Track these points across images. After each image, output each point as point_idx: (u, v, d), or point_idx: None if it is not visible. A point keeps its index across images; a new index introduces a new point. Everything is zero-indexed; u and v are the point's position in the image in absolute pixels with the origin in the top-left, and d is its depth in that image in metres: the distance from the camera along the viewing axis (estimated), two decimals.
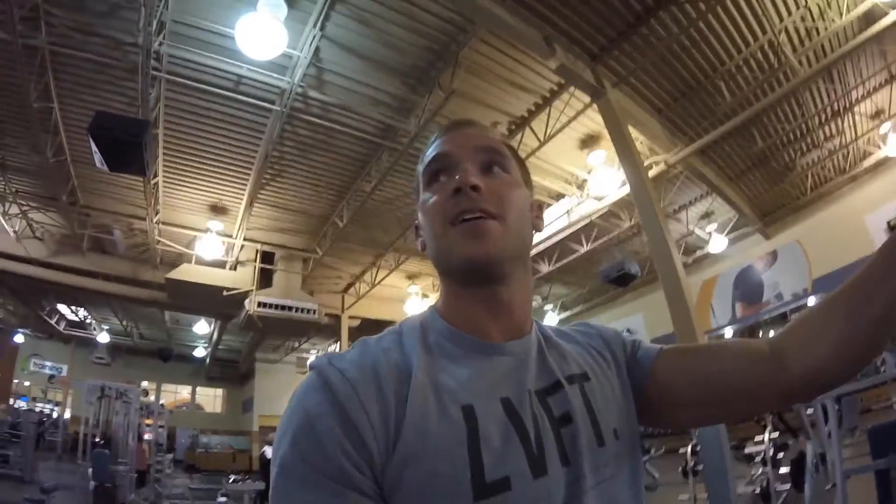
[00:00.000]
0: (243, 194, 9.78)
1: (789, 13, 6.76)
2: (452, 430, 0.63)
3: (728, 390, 0.79)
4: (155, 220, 10.21)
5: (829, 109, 8.90)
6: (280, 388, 20.34)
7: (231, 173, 9.29)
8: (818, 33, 7.00)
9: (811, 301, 10.68)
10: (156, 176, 9.01)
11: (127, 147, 6.27)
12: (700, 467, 7.10)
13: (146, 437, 11.93)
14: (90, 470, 9.04)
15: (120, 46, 6.69)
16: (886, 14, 6.44)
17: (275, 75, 7.15)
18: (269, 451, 10.70)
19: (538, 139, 8.21)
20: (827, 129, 9.54)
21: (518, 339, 0.77)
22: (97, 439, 10.67)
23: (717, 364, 0.81)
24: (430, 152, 0.82)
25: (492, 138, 0.83)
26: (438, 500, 0.60)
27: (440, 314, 0.78)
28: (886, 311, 0.69)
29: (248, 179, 9.33)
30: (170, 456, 14.91)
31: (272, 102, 7.59)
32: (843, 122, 9.46)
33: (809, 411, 5.51)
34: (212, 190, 9.82)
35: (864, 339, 0.71)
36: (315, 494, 0.58)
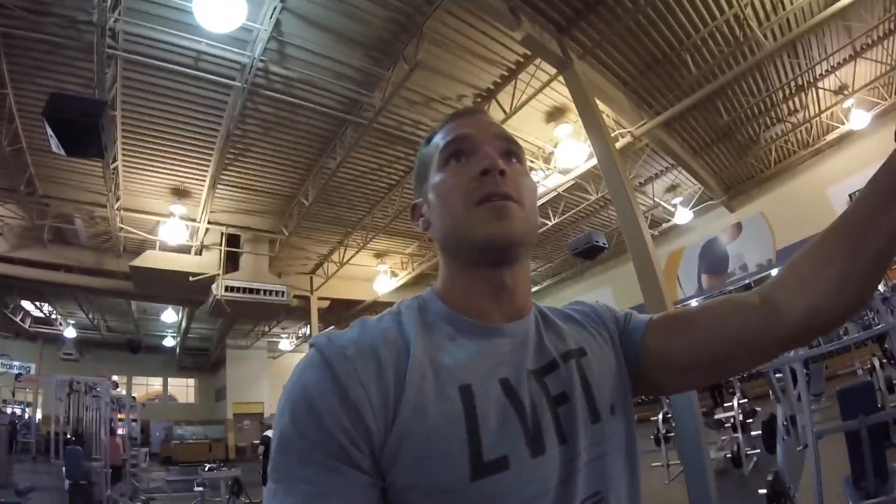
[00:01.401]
0: (206, 176, 9.55)
1: None
2: (450, 409, 0.65)
3: (724, 347, 0.79)
4: (116, 207, 9.92)
5: (793, 84, 9.05)
6: (252, 375, 20.22)
7: (193, 154, 9.05)
8: (784, 7, 7.10)
9: (775, 272, 10.98)
10: (115, 160, 8.72)
11: (83, 129, 6.05)
12: (672, 434, 7.24)
13: (119, 431, 11.71)
14: (64, 468, 8.85)
15: (74, 25, 6.40)
16: None
17: (235, 50, 6.94)
18: (263, 436, 10.61)
19: (504, 112, 8.17)
20: (791, 103, 9.72)
21: (518, 321, 0.79)
22: (69, 436, 10.45)
23: (709, 324, 0.81)
24: (446, 135, 0.83)
25: (506, 131, 0.86)
26: (436, 478, 0.61)
27: (439, 296, 0.80)
28: (880, 250, 0.69)
29: (210, 160, 9.10)
30: (145, 449, 14.67)
31: (233, 79, 7.38)
32: (806, 97, 9.66)
33: (778, 375, 5.65)
34: (173, 172, 9.56)
35: (865, 275, 0.71)
36: (313, 470, 0.59)
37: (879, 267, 0.70)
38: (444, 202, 0.79)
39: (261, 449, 10.19)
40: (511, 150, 0.82)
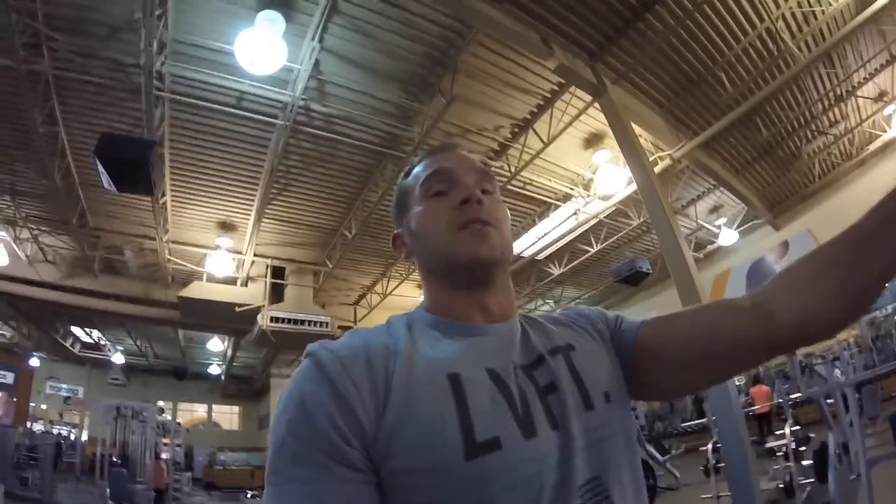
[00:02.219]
0: (251, 210, 9.82)
1: None
2: (440, 395, 0.67)
3: (715, 349, 0.81)
4: (165, 240, 10.29)
5: (831, 94, 8.84)
6: None
7: (238, 189, 9.35)
8: (816, 18, 6.98)
9: None
10: (164, 195, 9.07)
11: (133, 167, 6.33)
12: (722, 465, 7.02)
13: (163, 455, 11.96)
14: (108, 489, 9.06)
15: (122, 68, 6.77)
16: None
17: (276, 90, 7.20)
18: None
19: (542, 141, 8.22)
20: (831, 114, 9.48)
21: (502, 323, 0.82)
22: (114, 459, 10.72)
23: (701, 325, 0.83)
24: (426, 169, 0.88)
25: (482, 162, 0.91)
26: (431, 461, 0.62)
27: (426, 310, 0.84)
28: (878, 268, 0.70)
29: (255, 195, 9.37)
30: (188, 474, 14.95)
31: (275, 117, 7.64)
32: (846, 107, 9.41)
33: (829, 401, 5.45)
34: (220, 207, 9.88)
35: (861, 289, 0.72)
36: (306, 470, 0.61)
37: (878, 282, 0.71)
38: (429, 228, 0.83)
39: None
40: (487, 181, 0.87)
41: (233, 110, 7.50)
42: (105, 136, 6.44)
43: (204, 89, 7.22)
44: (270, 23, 6.10)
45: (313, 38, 6.47)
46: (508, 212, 0.89)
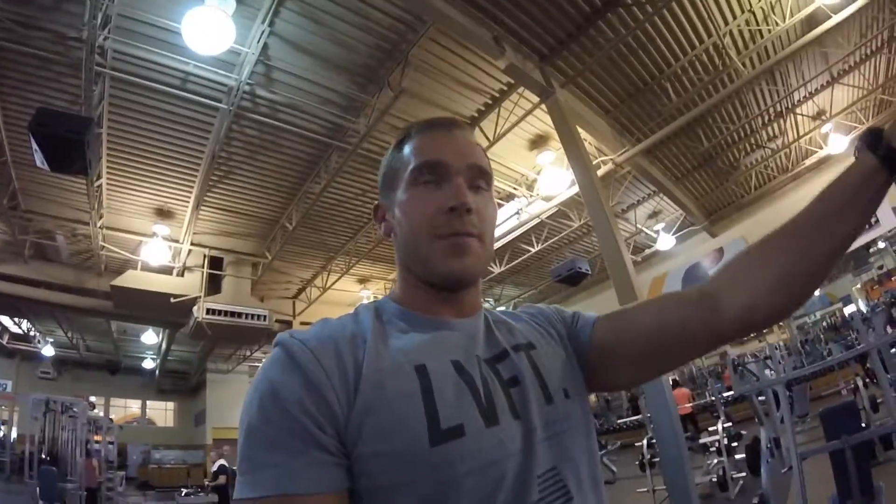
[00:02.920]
0: (190, 197, 9.51)
1: (734, 17, 7.02)
2: (407, 384, 0.69)
3: (665, 339, 0.84)
4: (99, 225, 9.83)
5: (772, 110, 9.26)
6: (233, 399, 19.83)
7: (177, 175, 9.02)
8: (762, 36, 7.28)
9: None
10: (99, 177, 8.68)
11: (69, 145, 6.03)
12: (657, 460, 7.24)
13: (95, 453, 11.46)
14: (38, 489, 8.64)
15: (64, 41, 6.42)
16: (829, 18, 6.73)
17: (222, 72, 6.99)
18: (217, 464, 10.35)
19: (488, 139, 8.28)
20: (770, 129, 9.93)
21: (467, 318, 0.84)
22: (44, 457, 10.22)
23: (651, 317, 0.87)
24: (419, 154, 0.83)
25: (481, 154, 0.88)
26: (397, 445, 0.65)
27: (394, 300, 0.86)
28: (818, 259, 0.74)
29: (195, 181, 9.07)
30: (121, 473, 14.35)
31: (219, 101, 7.41)
32: (785, 123, 9.88)
33: (762, 398, 5.69)
34: (158, 192, 9.51)
35: (801, 283, 0.76)
36: (279, 454, 0.62)
37: (820, 271, 0.76)
38: (410, 226, 0.82)
39: (221, 479, 9.94)
40: (482, 178, 0.85)
41: (176, 91, 7.23)
42: (41, 110, 6.09)
43: (147, 68, 6.93)
44: (220, 2, 5.91)
45: (263, 22, 6.31)
46: (496, 210, 0.89)
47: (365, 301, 13.97)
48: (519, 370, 0.79)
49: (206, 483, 10.60)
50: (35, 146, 6.03)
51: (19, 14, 6.08)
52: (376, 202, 0.92)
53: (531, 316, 0.95)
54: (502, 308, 0.93)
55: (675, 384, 11.35)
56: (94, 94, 6.84)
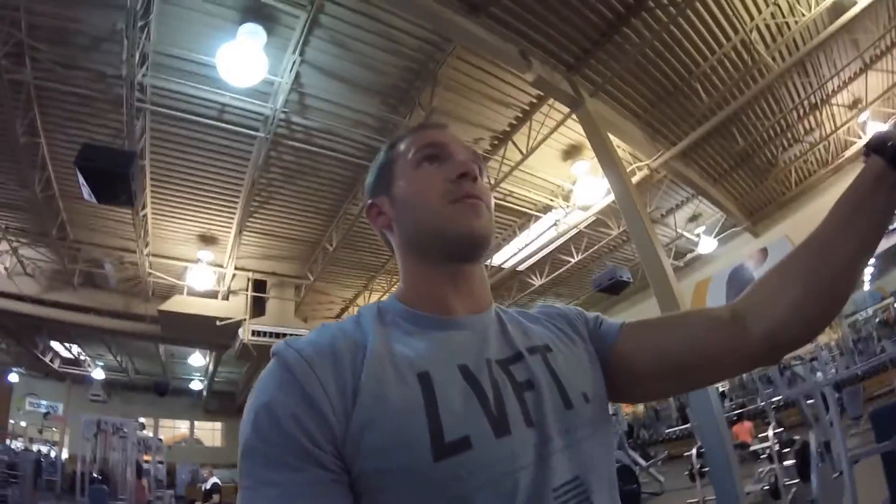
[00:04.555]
0: (232, 223, 9.77)
1: (759, 11, 6.86)
2: (409, 394, 0.66)
3: (691, 359, 0.81)
4: (145, 253, 10.18)
5: (806, 103, 9.01)
6: None
7: (219, 202, 9.29)
8: (789, 28, 7.10)
9: None
10: (144, 208, 9.01)
11: (114, 179, 6.28)
12: (706, 469, 7.09)
13: (145, 472, 11.76)
14: None
15: (104, 79, 6.73)
16: (854, 3, 6.55)
17: (257, 102, 7.21)
18: (211, 483, 10.36)
19: (521, 153, 8.29)
20: (806, 122, 9.65)
21: (478, 314, 0.82)
22: (95, 475, 10.52)
23: (678, 334, 0.84)
24: (419, 140, 0.87)
25: (474, 148, 0.92)
26: (399, 462, 0.62)
27: (398, 299, 0.83)
28: (841, 269, 0.72)
29: (236, 208, 9.32)
30: (170, 492, 14.66)
31: (256, 129, 7.63)
32: (821, 115, 9.58)
33: (810, 402, 5.53)
34: (201, 220, 9.81)
35: (821, 299, 0.74)
36: (277, 472, 0.60)
37: (839, 288, 0.74)
38: (419, 198, 0.82)
39: (215, 497, 9.98)
40: (479, 167, 0.87)
41: (214, 122, 7.49)
42: (86, 146, 6.38)
43: (185, 101, 7.20)
44: (252, 35, 6.12)
45: (294, 51, 6.49)
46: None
47: None
48: (534, 373, 0.75)
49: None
50: (82, 180, 6.30)
51: (60, 55, 6.40)
52: (369, 202, 0.91)
53: (549, 317, 0.91)
54: (514, 309, 0.90)
55: (739, 418, 10.49)
56: (135, 129, 7.13)
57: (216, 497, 9.93)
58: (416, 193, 0.83)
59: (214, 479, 10.31)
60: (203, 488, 10.14)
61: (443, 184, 0.81)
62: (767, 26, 7.13)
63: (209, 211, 9.53)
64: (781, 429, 7.59)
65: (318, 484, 0.61)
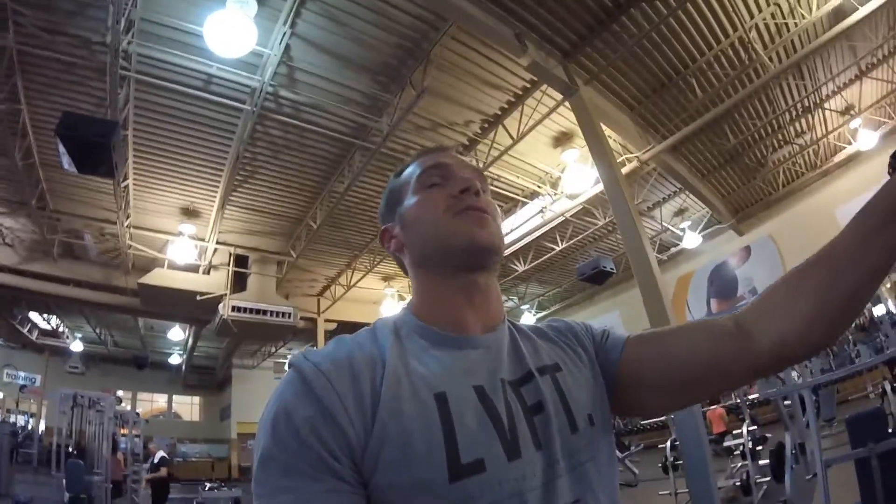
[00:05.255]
0: (215, 196, 9.63)
1: (759, 10, 6.86)
2: (426, 413, 0.67)
3: (697, 370, 0.81)
4: (126, 224, 10.02)
5: (799, 105, 9.05)
6: (257, 395, 20.12)
7: (203, 175, 9.15)
8: (788, 29, 7.10)
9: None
10: (126, 178, 8.83)
11: (95, 148, 6.15)
12: (680, 462, 7.15)
13: (121, 446, 11.67)
14: (64, 481, 8.81)
15: (88, 45, 6.53)
16: (856, 10, 6.55)
17: (245, 74, 7.05)
18: (158, 456, 10.24)
19: (511, 137, 8.23)
20: (798, 125, 9.71)
21: (491, 332, 0.81)
22: (71, 450, 10.43)
23: (683, 346, 0.83)
24: (423, 163, 0.89)
25: (476, 167, 0.94)
26: (414, 480, 0.63)
27: (413, 313, 0.83)
28: (858, 287, 0.69)
29: (219, 181, 9.19)
30: (147, 466, 14.63)
31: (243, 102, 7.49)
32: (813, 118, 9.65)
33: (787, 402, 5.57)
34: (183, 192, 9.66)
35: (834, 315, 0.72)
36: (295, 480, 0.61)
37: (854, 304, 0.71)
38: (425, 215, 0.84)
39: (163, 470, 9.88)
40: (481, 181, 0.88)
41: (200, 93, 7.32)
42: (67, 114, 6.22)
43: (171, 71, 7.02)
44: (242, 5, 5.96)
45: (285, 23, 6.35)
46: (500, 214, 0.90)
47: (389, 298, 14.05)
48: (543, 396, 0.76)
49: (145, 477, 10.45)
50: (62, 149, 6.17)
51: (43, 20, 6.20)
52: (381, 228, 0.93)
53: (559, 333, 0.91)
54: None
55: (711, 403, 10.89)
56: (119, 98, 6.96)
57: (163, 470, 9.83)
58: (423, 212, 0.84)
59: (161, 453, 10.23)
60: (151, 462, 10.01)
61: (446, 200, 0.83)
62: (767, 26, 7.12)
63: (192, 183, 9.39)
64: (755, 426, 7.67)
65: (334, 493, 0.61)
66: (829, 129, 10.05)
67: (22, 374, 20.27)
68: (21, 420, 19.03)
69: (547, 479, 0.69)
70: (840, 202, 10.73)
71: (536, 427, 0.73)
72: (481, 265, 0.82)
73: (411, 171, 0.90)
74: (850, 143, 10.48)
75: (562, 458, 0.72)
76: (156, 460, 9.97)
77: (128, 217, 9.91)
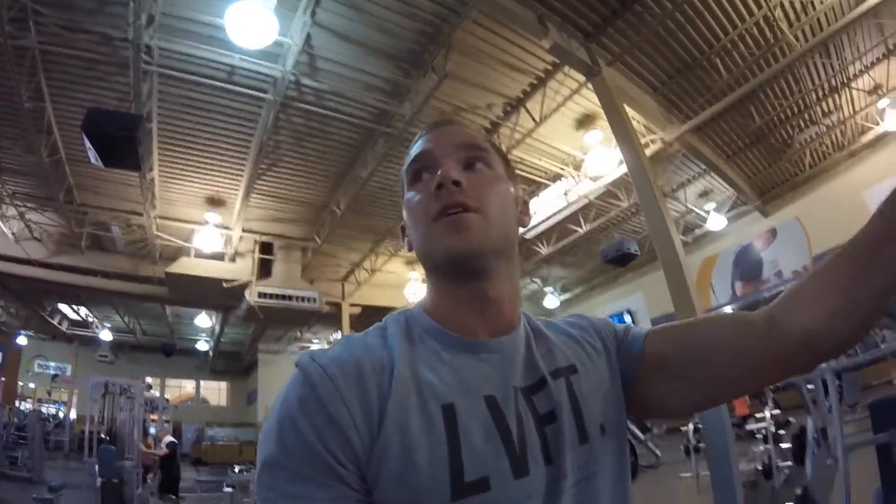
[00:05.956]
0: (240, 185, 9.75)
1: None
2: (432, 428, 0.64)
3: (723, 364, 0.77)
4: (153, 215, 10.21)
5: (826, 85, 8.84)
6: (283, 379, 19.76)
7: (227, 164, 9.26)
8: (814, 7, 6.93)
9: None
10: (151, 170, 8.99)
11: (120, 142, 6.24)
12: (702, 445, 7.12)
13: (151, 431, 11.96)
14: (96, 467, 9.06)
15: (110, 42, 6.63)
16: None
17: (267, 64, 7.10)
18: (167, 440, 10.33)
19: (534, 120, 8.21)
20: (824, 104, 9.48)
21: (506, 336, 0.77)
22: (103, 436, 10.71)
23: (708, 338, 0.79)
24: (413, 152, 0.83)
25: (472, 134, 0.83)
26: (414, 497, 0.61)
27: (426, 311, 0.79)
28: (886, 279, 0.66)
29: (244, 170, 9.29)
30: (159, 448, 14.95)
31: (265, 91, 7.54)
32: (840, 98, 9.42)
33: (810, 387, 5.52)
34: (208, 182, 9.79)
35: (862, 308, 0.69)
36: (301, 486, 0.60)
37: (883, 297, 0.68)
38: (411, 220, 0.79)
39: (164, 449, 9.90)
40: (475, 156, 0.80)
41: (222, 84, 7.40)
42: (92, 110, 6.33)
43: (193, 63, 7.11)
44: None
45: (305, 12, 6.37)
46: (508, 187, 0.82)
47: (413, 281, 14.08)
48: (557, 403, 0.73)
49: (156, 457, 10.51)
50: (88, 144, 6.26)
51: (64, 18, 6.30)
52: (401, 224, 0.87)
53: (580, 329, 0.87)
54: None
55: None
56: (142, 92, 7.08)
57: (164, 449, 9.91)
58: (411, 215, 0.80)
59: (170, 438, 10.41)
60: (161, 446, 10.11)
61: (426, 199, 0.76)
62: (792, 4, 6.95)
63: (217, 173, 9.51)
64: (778, 410, 7.61)
65: (341, 499, 0.60)
66: (857, 109, 9.81)
67: (52, 364, 20.81)
68: (53, 409, 19.60)
69: (552, 494, 0.67)
70: (868, 184, 10.49)
71: (548, 438, 0.70)
72: (470, 275, 0.74)
73: (407, 158, 0.84)
74: (877, 124, 10.22)
75: (570, 471, 0.69)
76: (163, 445, 10.12)
77: (154, 208, 10.09)
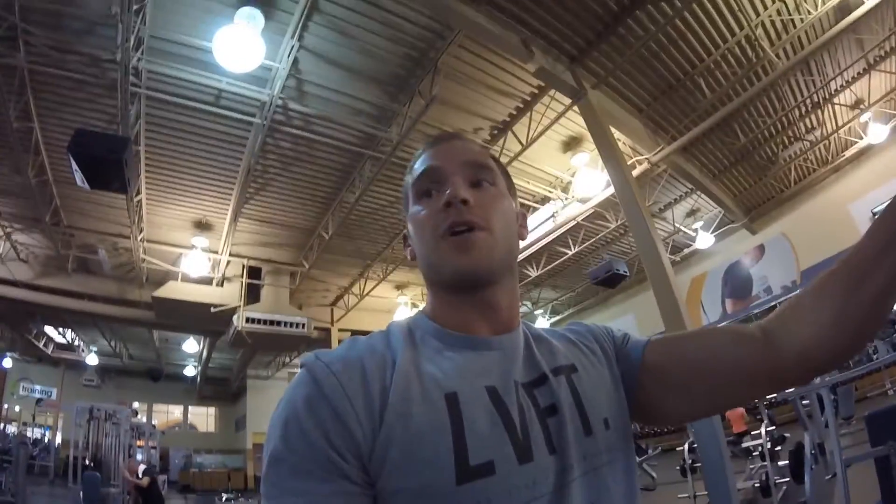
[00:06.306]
0: (227, 209, 9.71)
1: (765, 7, 6.83)
2: (435, 415, 0.65)
3: (720, 375, 0.78)
4: (139, 238, 10.12)
5: (808, 101, 8.99)
6: (272, 405, 19.55)
7: (214, 188, 9.23)
8: (794, 26, 7.07)
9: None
10: (139, 193, 8.93)
11: (107, 165, 6.19)
12: (698, 464, 7.07)
13: (138, 457, 11.75)
14: (80, 493, 8.89)
15: (98, 63, 6.64)
16: (861, 3, 6.52)
17: (254, 88, 7.13)
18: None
19: (520, 143, 8.25)
20: (808, 121, 9.63)
21: (506, 334, 0.79)
22: (88, 462, 10.52)
23: (708, 349, 0.80)
24: (419, 166, 0.84)
25: (479, 152, 0.86)
26: (421, 481, 0.61)
27: (428, 317, 0.81)
28: (880, 292, 0.67)
29: (231, 194, 9.27)
30: (163, 477, 14.74)
31: (253, 115, 7.56)
32: (823, 114, 9.57)
33: (805, 402, 5.51)
34: (196, 206, 9.74)
35: (858, 322, 0.70)
36: (304, 482, 0.60)
37: (877, 311, 0.69)
38: (418, 235, 0.81)
39: (145, 480, 9.76)
40: (481, 175, 0.82)
41: (210, 108, 7.40)
42: (79, 131, 6.27)
43: (181, 86, 7.11)
44: (249, 20, 6.02)
45: (293, 37, 6.41)
46: (510, 203, 0.84)
47: (403, 306, 14.06)
48: (558, 397, 0.74)
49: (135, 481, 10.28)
50: (75, 166, 6.20)
51: (53, 39, 6.30)
52: (404, 233, 0.89)
53: (578, 335, 0.88)
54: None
55: None
56: (130, 114, 7.05)
57: (145, 479, 9.69)
58: (417, 230, 0.81)
59: (143, 466, 10.18)
60: (138, 475, 9.90)
61: (434, 216, 0.78)
62: (773, 23, 7.09)
63: (204, 197, 9.47)
64: (773, 426, 7.59)
65: (343, 494, 0.61)
66: (840, 123, 9.97)
67: (38, 387, 20.49)
68: (37, 433, 19.24)
69: (559, 483, 0.67)
70: (853, 197, 10.64)
71: (550, 430, 0.71)
72: (474, 288, 0.77)
73: (413, 170, 0.85)
74: (860, 138, 10.40)
75: (576, 462, 0.70)
76: (140, 474, 9.90)
77: (141, 231, 10.00)
